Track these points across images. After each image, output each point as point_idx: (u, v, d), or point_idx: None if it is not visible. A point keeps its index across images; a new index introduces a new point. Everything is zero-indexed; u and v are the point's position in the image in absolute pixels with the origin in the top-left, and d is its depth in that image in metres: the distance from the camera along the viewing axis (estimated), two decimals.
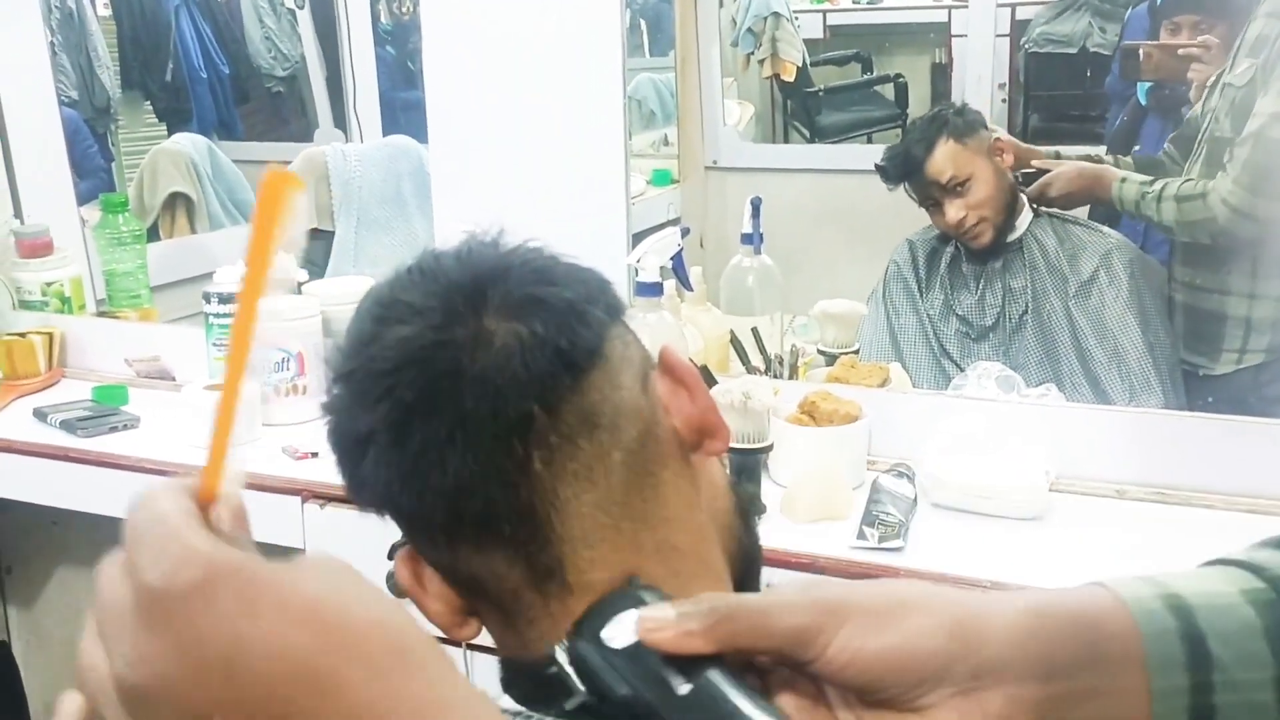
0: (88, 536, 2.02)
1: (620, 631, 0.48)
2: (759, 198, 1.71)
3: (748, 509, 0.66)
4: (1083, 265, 1.81)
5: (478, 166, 1.67)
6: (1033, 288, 1.84)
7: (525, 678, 0.58)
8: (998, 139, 1.83)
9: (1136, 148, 1.96)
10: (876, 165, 1.90)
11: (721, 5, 2.64)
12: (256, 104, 3.15)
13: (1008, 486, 1.34)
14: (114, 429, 1.67)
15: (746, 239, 1.71)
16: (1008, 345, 1.86)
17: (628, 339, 0.60)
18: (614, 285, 0.60)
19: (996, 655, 0.46)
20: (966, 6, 2.71)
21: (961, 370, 1.79)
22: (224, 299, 1.74)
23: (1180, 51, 1.78)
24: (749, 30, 2.79)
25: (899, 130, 2.83)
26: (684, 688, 0.45)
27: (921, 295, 1.95)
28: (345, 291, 1.80)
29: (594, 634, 0.49)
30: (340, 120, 2.89)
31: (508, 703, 0.60)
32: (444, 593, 0.60)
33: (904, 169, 1.87)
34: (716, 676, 0.45)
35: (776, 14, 2.82)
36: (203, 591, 0.38)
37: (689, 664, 0.45)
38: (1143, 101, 1.97)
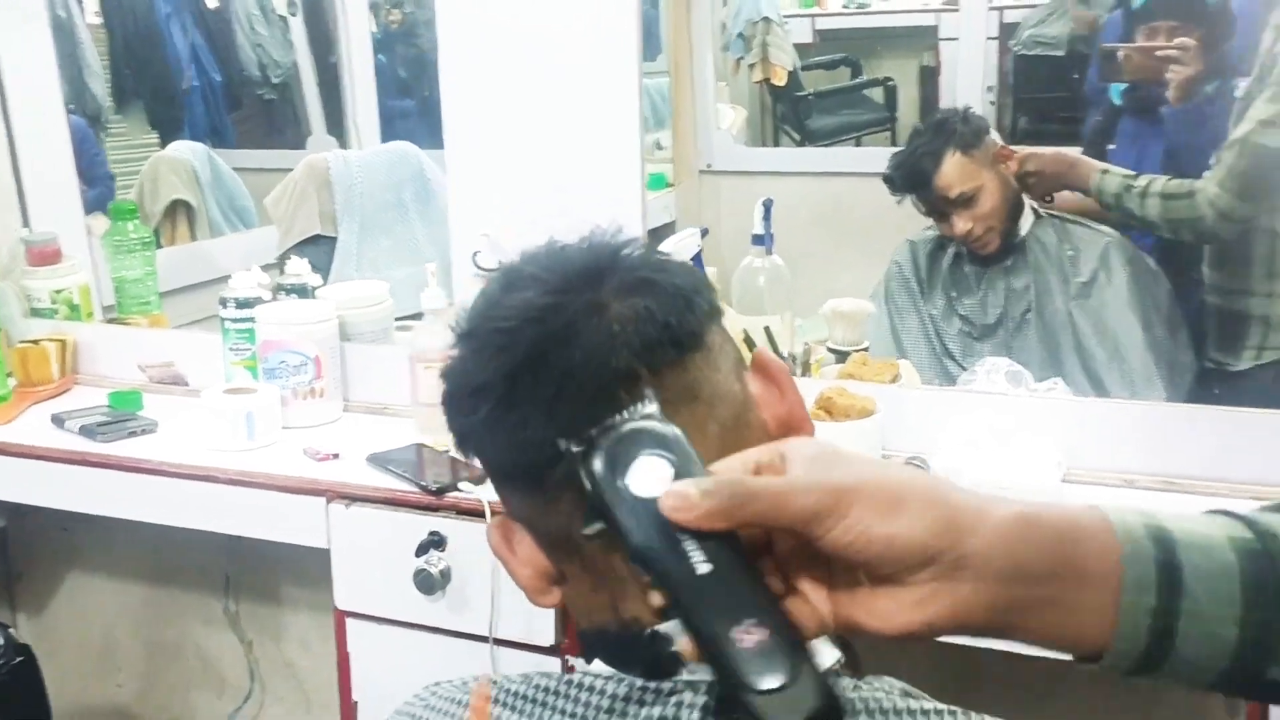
0: (99, 541, 2.03)
1: (643, 481, 0.50)
2: (770, 199, 1.73)
3: None
4: (1083, 265, 1.85)
5: (493, 170, 1.70)
6: (1035, 288, 1.87)
7: (614, 643, 0.61)
8: (1002, 146, 1.87)
9: (1111, 147, 1.99)
10: (883, 176, 1.92)
11: (715, 9, 2.67)
12: (248, 111, 3.16)
13: (1021, 478, 1.37)
14: (133, 434, 1.68)
15: (758, 240, 1.74)
16: (1010, 344, 1.89)
17: (725, 335, 0.64)
18: (715, 290, 0.64)
19: (978, 551, 0.50)
20: (957, 10, 2.75)
21: (964, 369, 1.83)
22: (240, 304, 1.75)
23: (1158, 53, 1.83)
24: (739, 35, 2.83)
25: (888, 133, 2.87)
26: (704, 567, 0.48)
27: (923, 295, 1.98)
28: (360, 295, 1.82)
29: (616, 468, 0.51)
30: (333, 127, 2.90)
31: (600, 667, 0.63)
32: (533, 557, 0.63)
33: (911, 181, 1.89)
34: (733, 559, 0.48)
35: (767, 19, 2.85)
36: None
37: (706, 538, 0.48)
38: (1117, 102, 2.01)
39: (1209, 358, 1.79)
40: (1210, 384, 1.77)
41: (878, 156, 2.82)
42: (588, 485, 0.51)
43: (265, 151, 3.12)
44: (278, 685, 1.98)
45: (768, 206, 1.70)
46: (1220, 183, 1.65)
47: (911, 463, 1.45)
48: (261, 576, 1.93)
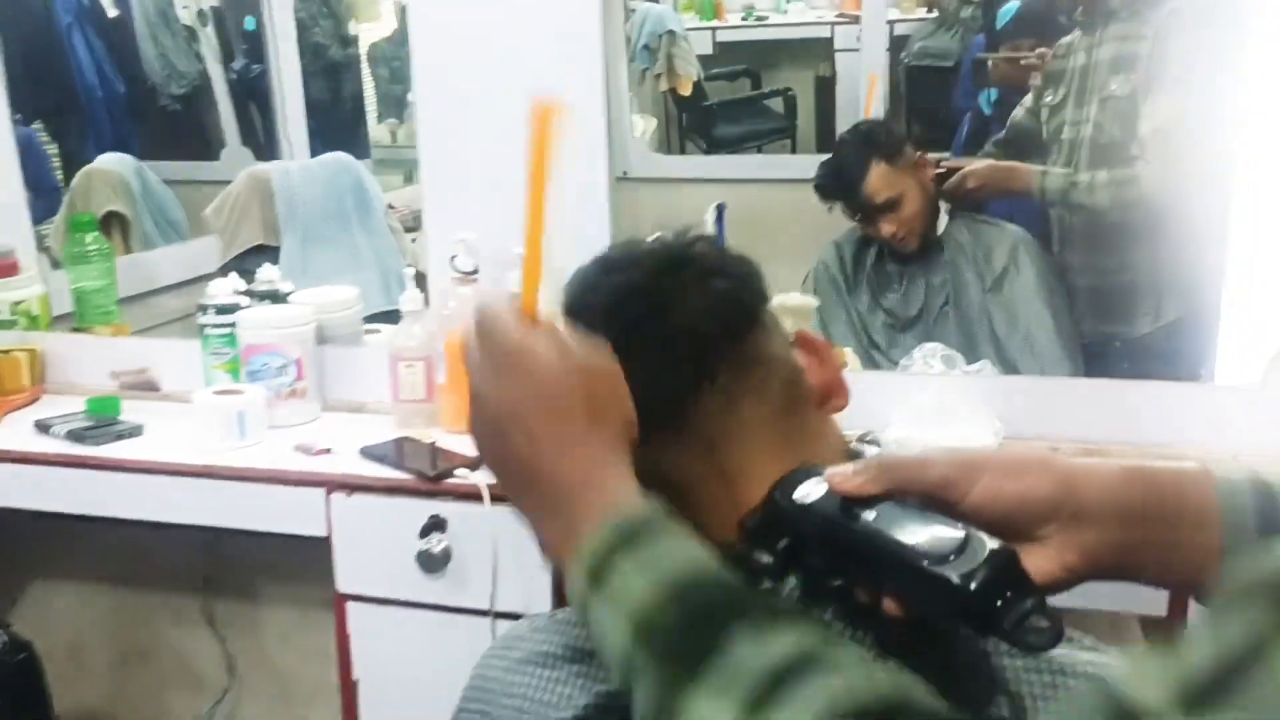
0: (66, 546, 2.06)
1: (809, 492, 0.65)
2: (723, 203, 1.88)
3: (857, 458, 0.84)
4: (994, 259, 2.05)
5: (467, 177, 1.81)
6: (952, 282, 2.07)
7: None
8: (920, 155, 2.06)
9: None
10: (814, 184, 2.09)
11: (627, 19, 2.80)
12: (154, 123, 3.16)
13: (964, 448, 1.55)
14: (120, 436, 1.73)
15: None
16: (930, 335, 2.07)
17: (774, 314, 0.79)
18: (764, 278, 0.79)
19: (1092, 502, 0.61)
20: (850, 23, 2.94)
21: (890, 359, 2.02)
22: (220, 309, 1.82)
23: (1023, 62, 2.06)
24: (645, 47, 2.98)
25: (789, 141, 3.06)
26: (870, 514, 0.62)
27: (850, 292, 2.16)
28: (336, 300, 1.90)
29: (788, 495, 0.66)
30: (248, 139, 2.94)
31: None
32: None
33: (839, 190, 2.07)
34: (890, 505, 0.62)
35: (672, 32, 3.01)
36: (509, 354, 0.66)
37: (867, 503, 0.62)
38: (986, 111, 2.23)
39: (1100, 332, 2.01)
40: (1109, 357, 1.98)
41: (779, 164, 3.02)
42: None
43: (176, 164, 3.13)
44: (255, 680, 2.04)
45: (721, 210, 1.85)
46: (1163, 163, 1.84)
47: (864, 439, 1.61)
48: (241, 574, 1.99)
